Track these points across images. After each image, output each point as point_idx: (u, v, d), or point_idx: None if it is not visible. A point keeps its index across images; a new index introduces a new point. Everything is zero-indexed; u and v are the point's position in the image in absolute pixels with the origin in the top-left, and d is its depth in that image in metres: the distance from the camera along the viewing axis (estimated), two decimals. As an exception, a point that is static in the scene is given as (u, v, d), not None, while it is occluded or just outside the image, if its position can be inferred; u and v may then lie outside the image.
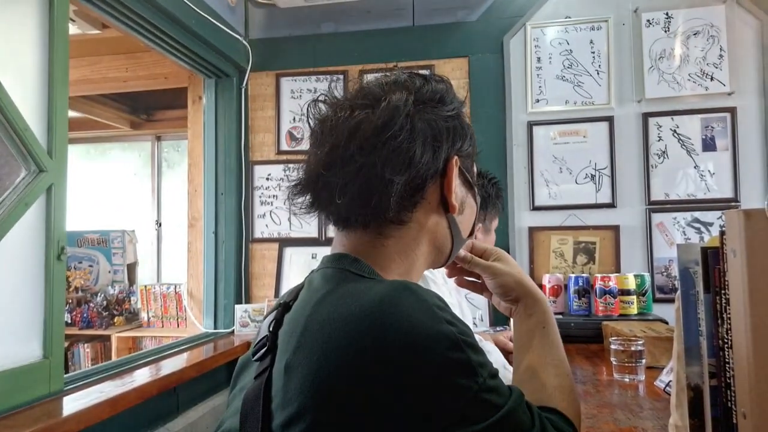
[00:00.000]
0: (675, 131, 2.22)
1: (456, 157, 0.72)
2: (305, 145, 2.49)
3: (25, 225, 1.34)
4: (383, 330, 0.54)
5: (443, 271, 1.42)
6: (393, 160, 0.66)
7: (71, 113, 2.17)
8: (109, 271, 3.69)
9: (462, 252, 0.81)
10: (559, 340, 0.79)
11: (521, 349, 0.79)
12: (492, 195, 1.53)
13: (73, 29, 2.42)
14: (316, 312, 0.60)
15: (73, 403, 1.35)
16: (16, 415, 1.25)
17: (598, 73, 2.29)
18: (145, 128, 4.25)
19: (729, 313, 0.64)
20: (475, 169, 0.79)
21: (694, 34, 2.22)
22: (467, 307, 1.61)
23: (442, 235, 0.74)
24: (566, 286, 2.15)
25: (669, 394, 0.98)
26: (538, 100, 2.33)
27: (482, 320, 2.23)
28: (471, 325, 1.50)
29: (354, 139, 0.67)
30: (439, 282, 1.35)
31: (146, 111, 4.19)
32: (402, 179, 0.67)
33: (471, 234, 0.79)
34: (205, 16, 2.16)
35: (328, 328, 0.57)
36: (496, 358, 1.27)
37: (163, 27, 1.96)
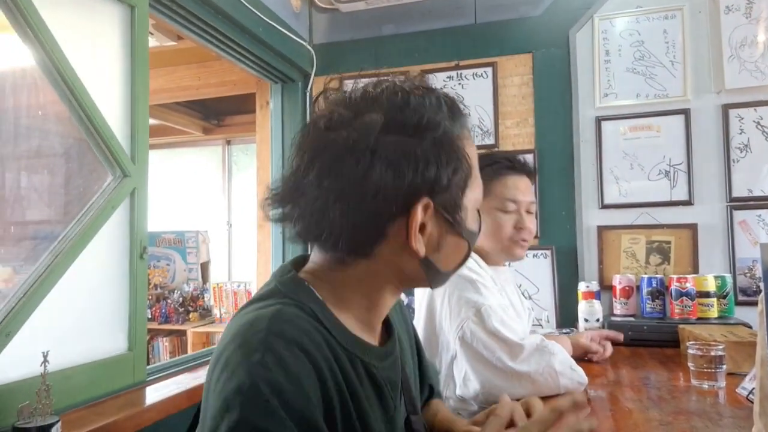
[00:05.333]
0: (759, 123, 2.08)
1: (426, 199, 0.64)
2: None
3: (111, 226, 1.44)
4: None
5: (490, 271, 1.39)
6: (347, 194, 0.63)
7: (150, 121, 2.30)
8: (185, 270, 3.90)
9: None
10: None
11: None
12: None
13: (151, 42, 2.57)
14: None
15: (154, 393, 1.44)
16: (104, 402, 1.35)
17: (672, 64, 2.18)
18: (216, 133, 4.45)
19: (819, 318, 0.60)
20: (470, 199, 0.69)
21: (780, 19, 2.07)
22: (526, 308, 1.57)
23: (413, 272, 0.69)
24: (638, 288, 2.06)
25: (752, 402, 0.93)
26: (606, 95, 2.24)
27: (548, 321, 2.19)
28: (530, 326, 1.46)
29: (314, 165, 0.65)
30: (489, 284, 1.33)
31: (217, 117, 4.39)
32: (355, 216, 0.63)
33: (465, 259, 0.74)
34: (272, 23, 2.24)
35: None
36: (561, 359, 1.24)
37: (233, 36, 2.06)
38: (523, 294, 2.23)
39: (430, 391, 0.98)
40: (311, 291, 0.68)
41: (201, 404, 0.65)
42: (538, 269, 2.25)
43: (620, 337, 1.68)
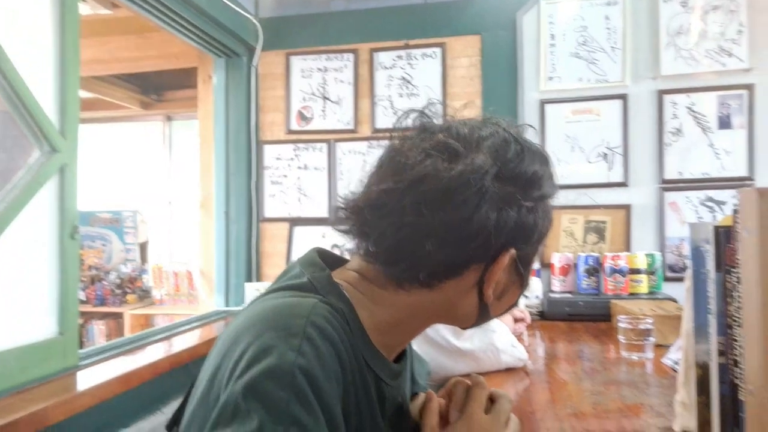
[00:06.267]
0: (691, 109, 2.18)
1: (513, 251, 0.64)
2: (315, 125, 2.50)
3: (38, 205, 1.36)
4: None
5: None
6: (441, 232, 0.61)
7: (82, 93, 2.18)
8: (122, 250, 3.74)
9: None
10: None
11: None
12: None
13: (84, 9, 2.42)
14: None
15: (87, 378, 1.38)
16: (33, 389, 1.28)
17: (613, 50, 2.25)
18: (156, 108, 4.26)
19: (739, 292, 0.64)
20: (536, 254, 0.70)
21: (713, 9, 2.16)
22: None
23: (466, 312, 0.68)
24: (576, 265, 2.15)
25: (676, 372, 0.98)
26: (551, 78, 2.29)
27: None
28: None
29: (411, 193, 0.61)
30: None
31: (156, 91, 4.20)
32: (445, 254, 0.62)
33: (501, 314, 0.73)
34: (214, -7, 2.14)
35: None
36: (503, 337, 1.28)
37: (173, 6, 1.95)
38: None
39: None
40: (346, 298, 0.66)
41: (194, 387, 0.62)
42: (482, 249, 2.29)
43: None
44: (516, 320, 1.63)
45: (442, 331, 1.25)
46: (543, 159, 0.68)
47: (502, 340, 1.27)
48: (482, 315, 0.68)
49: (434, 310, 0.67)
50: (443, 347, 1.25)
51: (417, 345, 1.27)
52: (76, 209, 1.47)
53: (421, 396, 0.73)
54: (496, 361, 1.26)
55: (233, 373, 0.54)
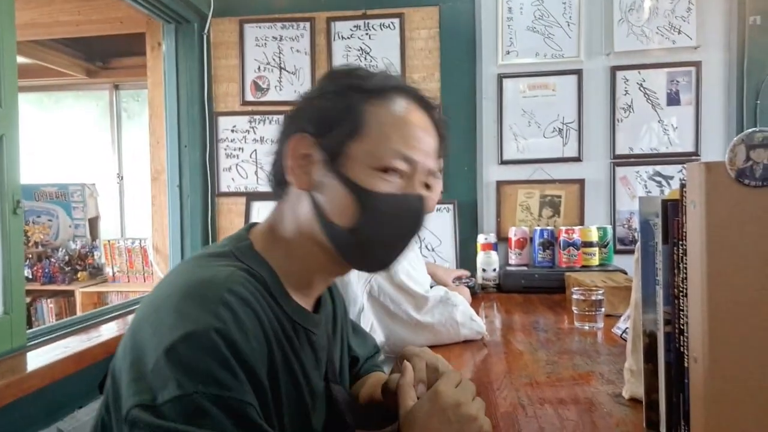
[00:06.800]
0: (641, 85, 2.24)
1: (300, 135, 0.70)
2: (271, 96, 2.44)
3: (-25, 177, 1.28)
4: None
5: None
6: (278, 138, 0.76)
7: (21, 59, 2.03)
8: (70, 226, 3.59)
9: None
10: None
11: None
12: None
13: (17, -33, 2.25)
14: None
15: (37, 359, 1.33)
16: (-23, 371, 1.23)
17: (568, 25, 2.27)
18: (102, 76, 4.06)
19: (685, 264, 0.66)
20: (358, 150, 0.69)
21: (664, -14, 2.21)
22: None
23: (308, 217, 0.71)
24: (531, 239, 2.20)
25: (625, 341, 1.03)
26: (508, 52, 2.30)
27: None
28: (427, 278, 1.50)
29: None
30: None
31: (102, 58, 3.99)
32: (275, 156, 0.76)
33: (361, 217, 0.69)
34: (162, -45, 2.03)
35: None
36: (463, 309, 1.31)
37: (117, -34, 1.84)
38: (426, 248, 2.30)
39: (355, 362, 0.98)
40: (263, 261, 0.71)
41: (117, 353, 0.64)
42: (440, 222, 2.32)
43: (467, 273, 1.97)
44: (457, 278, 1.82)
45: (403, 305, 1.26)
46: (363, 73, 0.75)
47: (462, 314, 1.29)
48: (322, 219, 0.70)
49: (304, 216, 0.72)
50: (403, 320, 1.26)
51: (378, 319, 1.29)
52: (18, 182, 1.39)
53: (402, 372, 0.76)
54: (455, 333, 1.28)
55: (152, 340, 0.58)
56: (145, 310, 0.64)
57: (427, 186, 0.73)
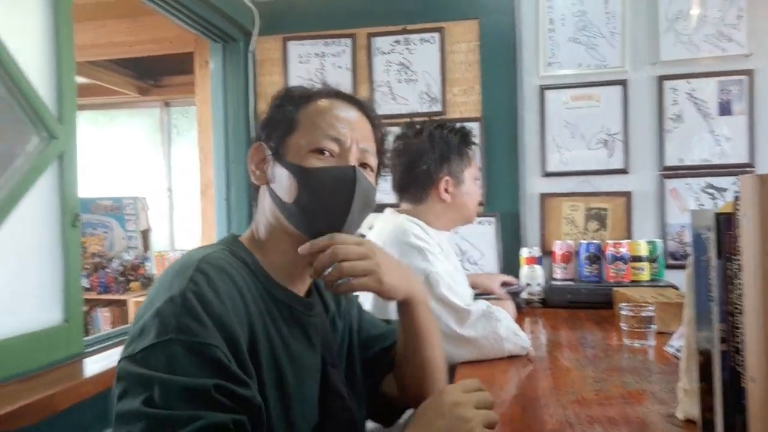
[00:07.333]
0: (691, 95, 2.17)
1: (255, 144, 0.88)
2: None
3: (39, 192, 1.35)
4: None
5: (437, 237, 1.45)
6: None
7: (78, 79, 2.14)
8: (124, 238, 3.74)
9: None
10: None
11: None
12: (453, 144, 1.50)
13: (78, -7, 2.38)
14: None
15: (93, 365, 1.39)
16: (39, 376, 1.29)
17: (612, 35, 2.23)
18: (153, 94, 4.24)
19: (740, 279, 0.64)
20: (292, 141, 0.85)
21: (712, -7, 2.15)
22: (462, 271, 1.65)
23: (271, 207, 0.85)
24: (577, 253, 2.15)
25: (678, 359, 0.99)
26: (550, 64, 2.28)
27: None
28: (468, 291, 1.51)
29: None
30: (436, 251, 1.36)
31: (153, 77, 4.17)
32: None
33: (300, 193, 0.82)
34: (211, -22, 2.12)
35: None
36: (506, 324, 1.29)
37: (168, -11, 1.93)
38: (468, 261, 2.29)
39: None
40: (245, 247, 0.84)
41: None
42: (482, 235, 2.30)
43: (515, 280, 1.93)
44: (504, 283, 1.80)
45: (445, 318, 1.25)
46: (301, 90, 0.90)
47: (505, 328, 1.27)
48: (279, 203, 0.83)
49: (268, 207, 0.85)
50: (446, 334, 1.25)
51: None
52: (77, 196, 1.46)
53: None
54: (499, 348, 1.26)
55: (146, 313, 0.68)
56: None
57: (364, 165, 0.86)
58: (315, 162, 0.82)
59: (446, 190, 1.47)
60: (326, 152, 0.83)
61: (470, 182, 1.52)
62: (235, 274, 0.74)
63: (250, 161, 0.88)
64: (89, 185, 3.85)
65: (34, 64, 1.36)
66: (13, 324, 1.28)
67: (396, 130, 1.51)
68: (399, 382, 0.97)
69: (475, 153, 1.56)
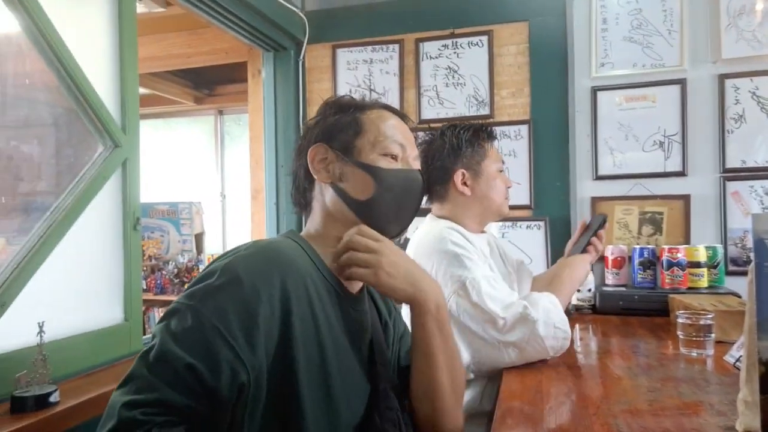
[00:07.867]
0: (754, 93, 2.07)
1: (315, 145, 0.91)
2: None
3: (104, 197, 1.44)
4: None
5: (474, 240, 1.43)
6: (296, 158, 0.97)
7: (140, 90, 2.25)
8: (179, 241, 3.89)
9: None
10: None
11: None
12: (464, 138, 1.48)
13: (139, 8, 2.51)
14: None
15: (151, 363, 1.45)
16: (100, 372, 1.37)
17: (669, 33, 2.15)
18: (208, 103, 4.39)
19: (808, 287, 0.61)
20: (362, 142, 0.90)
21: (780, -13, 2.04)
22: (511, 265, 1.62)
23: (334, 202, 0.90)
24: (630, 258, 2.08)
25: (738, 369, 0.95)
26: (603, 64, 2.22)
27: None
28: (510, 289, 1.44)
29: None
30: (474, 257, 1.33)
31: (208, 86, 4.32)
32: (295, 172, 0.97)
33: (379, 190, 0.89)
34: (263, -11, 2.18)
35: None
36: (544, 321, 1.25)
37: (222, 2, 2.01)
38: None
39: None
40: (304, 239, 0.90)
41: None
42: (531, 240, 2.27)
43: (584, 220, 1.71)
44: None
45: (483, 324, 1.24)
46: (343, 100, 0.97)
47: (544, 326, 1.23)
48: (347, 199, 0.89)
49: (331, 203, 0.91)
50: (486, 340, 1.24)
51: (461, 338, 1.27)
52: (139, 201, 1.54)
53: None
54: (542, 348, 1.23)
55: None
56: None
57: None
58: (385, 164, 0.89)
59: (464, 183, 1.47)
60: (393, 156, 0.91)
61: (490, 174, 1.49)
62: (285, 250, 0.81)
63: (311, 160, 0.91)
64: (147, 190, 4.02)
65: (101, 78, 1.44)
66: (79, 322, 1.36)
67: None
68: (409, 402, 0.95)
69: (494, 146, 1.53)
